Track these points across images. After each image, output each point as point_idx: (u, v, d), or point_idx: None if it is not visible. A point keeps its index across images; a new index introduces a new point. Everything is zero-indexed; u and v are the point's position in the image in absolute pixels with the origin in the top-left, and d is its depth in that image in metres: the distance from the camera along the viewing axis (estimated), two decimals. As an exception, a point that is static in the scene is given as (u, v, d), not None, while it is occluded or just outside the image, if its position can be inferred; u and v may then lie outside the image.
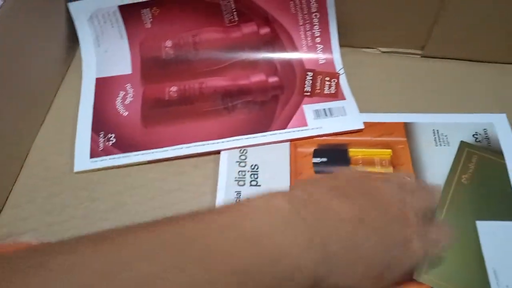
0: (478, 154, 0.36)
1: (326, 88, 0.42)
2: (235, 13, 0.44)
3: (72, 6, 0.44)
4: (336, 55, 0.44)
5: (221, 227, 0.21)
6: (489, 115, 0.39)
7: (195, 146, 0.38)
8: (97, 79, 0.43)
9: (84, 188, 0.37)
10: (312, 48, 0.44)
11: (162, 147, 0.38)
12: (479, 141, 0.37)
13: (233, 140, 0.38)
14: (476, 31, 0.40)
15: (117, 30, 0.44)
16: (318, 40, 0.44)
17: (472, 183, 0.35)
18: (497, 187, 0.34)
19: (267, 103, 0.41)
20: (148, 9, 0.44)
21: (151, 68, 0.44)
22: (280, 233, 0.21)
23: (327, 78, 0.42)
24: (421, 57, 0.44)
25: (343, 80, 0.42)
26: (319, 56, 0.44)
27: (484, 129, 0.38)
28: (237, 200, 0.22)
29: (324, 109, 0.40)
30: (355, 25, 0.43)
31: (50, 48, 0.43)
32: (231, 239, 0.20)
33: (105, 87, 0.43)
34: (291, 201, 0.23)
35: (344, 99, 0.41)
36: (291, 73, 0.43)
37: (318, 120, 0.39)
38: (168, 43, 0.44)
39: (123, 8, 0.44)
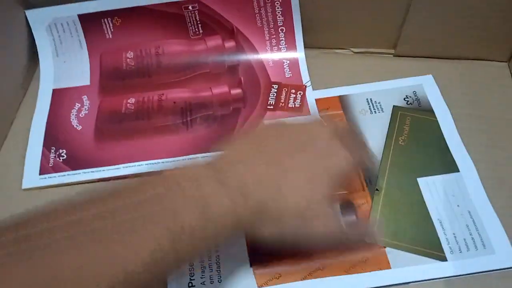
0: (411, 115, 0.38)
1: (291, 101, 0.41)
2: (199, 25, 0.42)
3: (29, 13, 0.42)
4: (303, 68, 0.43)
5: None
6: (417, 77, 0.41)
7: (148, 164, 0.36)
8: (54, 91, 0.42)
9: (32, 206, 0.35)
10: (278, 62, 0.43)
11: (114, 165, 0.36)
12: (410, 103, 0.39)
13: (189, 159, 0.36)
14: (445, 29, 0.40)
15: (77, 40, 0.43)
16: (285, 55, 0.43)
17: (409, 143, 0.36)
18: (432, 143, 0.36)
19: (228, 117, 0.40)
20: (109, 18, 0.43)
21: (110, 79, 0.42)
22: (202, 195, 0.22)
23: (293, 91, 0.41)
24: (394, 56, 0.44)
25: (309, 93, 0.41)
26: (286, 69, 0.43)
27: (414, 91, 0.40)
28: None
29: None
30: (327, 27, 0.43)
31: (10, 57, 0.41)
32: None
33: (61, 99, 0.41)
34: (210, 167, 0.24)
35: (309, 113, 0.40)
36: (256, 86, 0.42)
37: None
38: (130, 54, 0.43)
39: (83, 17, 0.42)
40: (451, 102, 0.39)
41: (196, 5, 0.42)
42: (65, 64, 0.43)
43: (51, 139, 0.39)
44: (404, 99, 0.39)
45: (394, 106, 0.39)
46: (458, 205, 0.33)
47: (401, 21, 0.40)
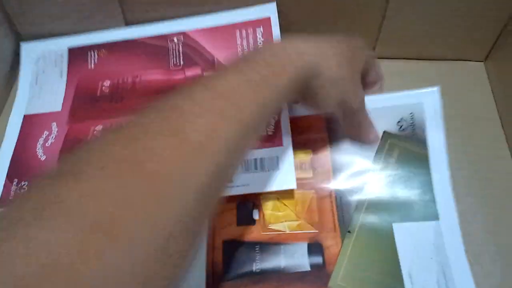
0: (401, 146, 0.34)
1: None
2: (181, 57, 0.41)
3: (24, 46, 0.43)
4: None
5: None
6: (419, 92, 0.35)
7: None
8: (25, 116, 0.41)
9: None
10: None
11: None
12: (403, 129, 0.34)
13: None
14: (422, 30, 0.40)
15: (59, 69, 0.43)
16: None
17: (392, 180, 0.32)
18: (417, 185, 0.32)
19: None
20: (95, 50, 0.43)
21: (81, 105, 0.41)
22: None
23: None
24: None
25: (284, 119, 0.36)
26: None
27: (411, 113, 0.34)
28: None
29: (255, 160, 0.34)
30: (305, 31, 0.39)
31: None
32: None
33: (31, 126, 0.40)
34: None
35: (281, 145, 0.34)
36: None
37: (247, 175, 0.33)
38: (106, 83, 0.42)
39: (72, 50, 0.43)
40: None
41: (182, 37, 0.41)
42: (40, 91, 0.42)
43: (15, 171, 0.37)
44: (397, 123, 0.34)
45: (384, 131, 0.34)
46: (431, 258, 0.28)
47: (379, 23, 0.40)
